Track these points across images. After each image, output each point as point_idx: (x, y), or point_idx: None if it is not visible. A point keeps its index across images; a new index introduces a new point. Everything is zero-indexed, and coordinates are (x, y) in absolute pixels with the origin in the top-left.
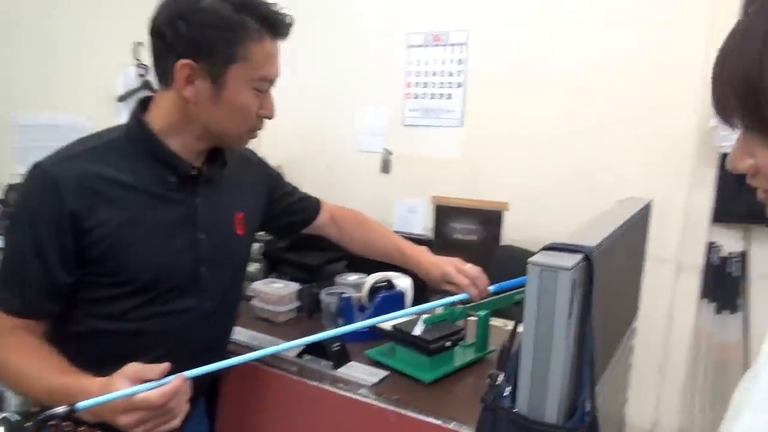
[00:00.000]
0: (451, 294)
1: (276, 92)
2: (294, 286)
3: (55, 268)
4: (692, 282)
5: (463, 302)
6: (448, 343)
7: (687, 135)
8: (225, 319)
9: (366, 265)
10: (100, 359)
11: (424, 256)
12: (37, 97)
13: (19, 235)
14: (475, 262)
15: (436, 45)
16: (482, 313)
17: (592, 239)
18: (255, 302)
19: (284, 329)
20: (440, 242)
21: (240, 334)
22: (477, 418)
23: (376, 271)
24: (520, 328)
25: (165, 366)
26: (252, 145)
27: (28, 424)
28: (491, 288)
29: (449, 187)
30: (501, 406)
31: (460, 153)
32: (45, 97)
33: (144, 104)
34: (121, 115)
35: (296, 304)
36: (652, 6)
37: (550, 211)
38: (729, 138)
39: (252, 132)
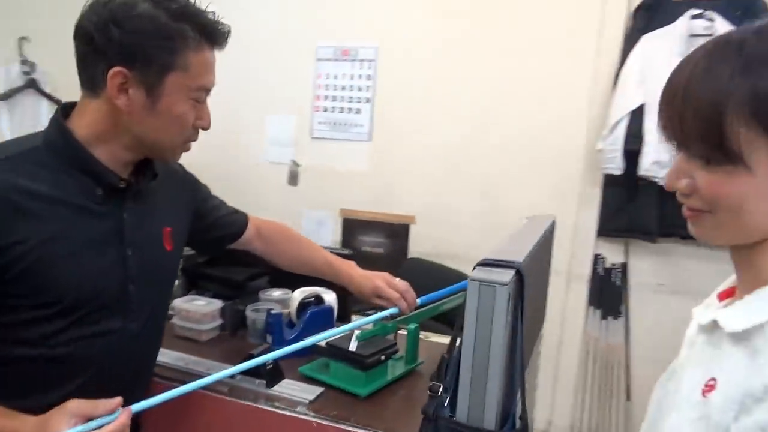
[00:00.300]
0: (380, 308)
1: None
2: (217, 303)
3: None
4: (581, 291)
5: (393, 316)
6: (382, 357)
7: (576, 157)
8: (152, 341)
9: (289, 280)
10: (18, 390)
11: (354, 270)
12: None
13: None
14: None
15: (345, 60)
16: (412, 326)
17: (518, 255)
18: (176, 320)
19: (208, 348)
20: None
21: (163, 355)
22: (415, 429)
23: (300, 286)
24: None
25: (117, 401)
26: None
27: None
28: (418, 301)
29: (357, 200)
30: (442, 416)
31: (368, 167)
32: None
33: (65, 111)
34: (2, 116)
35: (219, 321)
36: (546, 39)
37: (454, 225)
38: (613, 161)
39: (186, 143)
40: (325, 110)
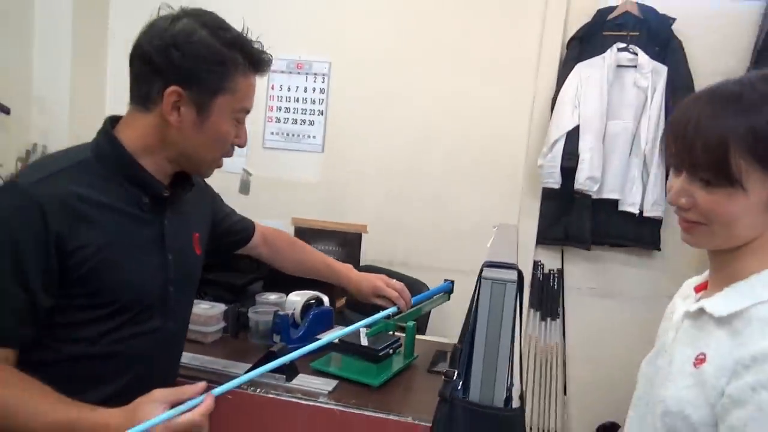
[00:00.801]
0: (379, 306)
1: (125, 102)
2: (221, 307)
3: (37, 292)
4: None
5: (391, 315)
6: (391, 351)
7: (518, 171)
8: (182, 339)
9: (281, 284)
10: (75, 386)
11: (353, 272)
12: None
13: None
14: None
15: (299, 73)
16: (410, 324)
17: (511, 258)
18: None
19: (213, 349)
20: None
21: None
22: (421, 411)
23: (291, 290)
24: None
25: (202, 385)
26: None
27: None
28: (412, 300)
29: (310, 209)
30: (457, 398)
31: (320, 177)
32: None
33: (112, 123)
34: None
35: (223, 324)
36: (490, 62)
37: (405, 234)
38: (551, 176)
39: (220, 160)
40: (278, 121)
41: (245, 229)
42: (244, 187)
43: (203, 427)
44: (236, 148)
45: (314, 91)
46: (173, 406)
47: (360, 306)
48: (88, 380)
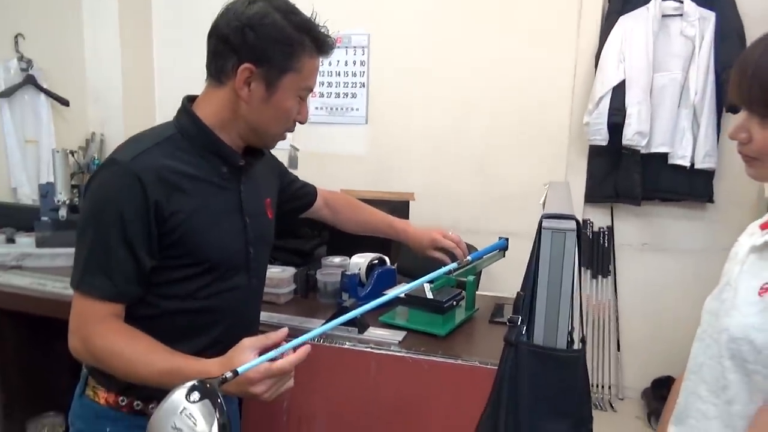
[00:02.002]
0: (436, 260)
1: (173, 85)
2: (291, 270)
3: (140, 254)
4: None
5: (452, 271)
6: (454, 303)
7: (563, 130)
8: (261, 295)
9: (345, 247)
10: (170, 338)
11: (411, 227)
12: None
13: (106, 226)
14: (385, 250)
15: (339, 47)
16: (470, 278)
17: (567, 210)
18: None
19: (287, 308)
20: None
21: None
22: (490, 356)
23: (354, 253)
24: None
25: (284, 331)
26: None
27: (212, 387)
28: (469, 257)
29: (357, 180)
30: (522, 341)
31: (366, 148)
32: None
33: (190, 101)
34: (3, 113)
35: (293, 286)
36: (531, 23)
37: (452, 200)
38: (598, 133)
39: (284, 134)
40: (321, 95)
41: (308, 193)
42: (293, 163)
43: (290, 375)
44: (297, 124)
45: (354, 63)
46: (262, 352)
47: (412, 271)
48: (185, 332)
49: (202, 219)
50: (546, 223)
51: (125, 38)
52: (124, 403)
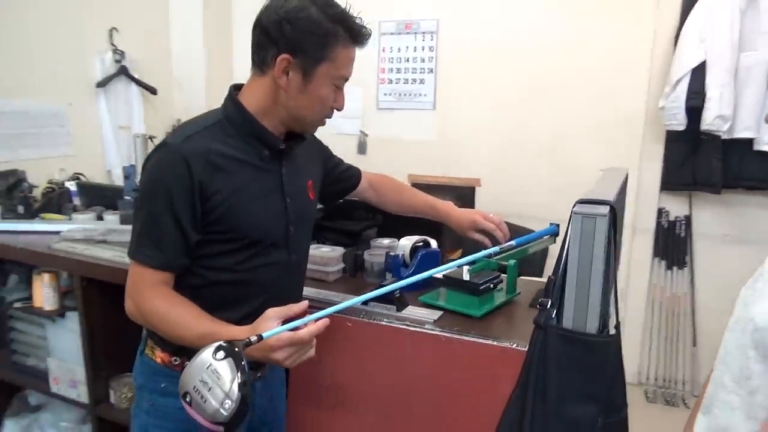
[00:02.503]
0: (477, 242)
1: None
2: (340, 250)
3: (187, 229)
4: (645, 244)
5: (494, 254)
6: (491, 285)
7: (638, 115)
8: (303, 270)
9: (394, 229)
10: (212, 307)
11: (452, 208)
12: (15, 85)
13: (157, 203)
14: (452, 234)
15: (408, 33)
16: (511, 262)
17: (609, 195)
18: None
19: (335, 286)
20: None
21: (305, 291)
22: (520, 338)
23: (402, 235)
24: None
25: (304, 304)
26: None
27: (237, 348)
28: (514, 242)
29: (425, 166)
30: (551, 325)
31: (433, 134)
32: (23, 84)
33: (236, 89)
34: (100, 101)
35: (342, 265)
36: (609, 1)
37: (520, 186)
38: (675, 117)
39: (323, 120)
40: (390, 82)
41: (353, 176)
42: (362, 148)
43: (311, 345)
44: (336, 112)
45: (423, 49)
46: (285, 322)
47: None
48: (228, 302)
49: (242, 198)
50: (578, 208)
51: (208, 32)
52: (176, 363)
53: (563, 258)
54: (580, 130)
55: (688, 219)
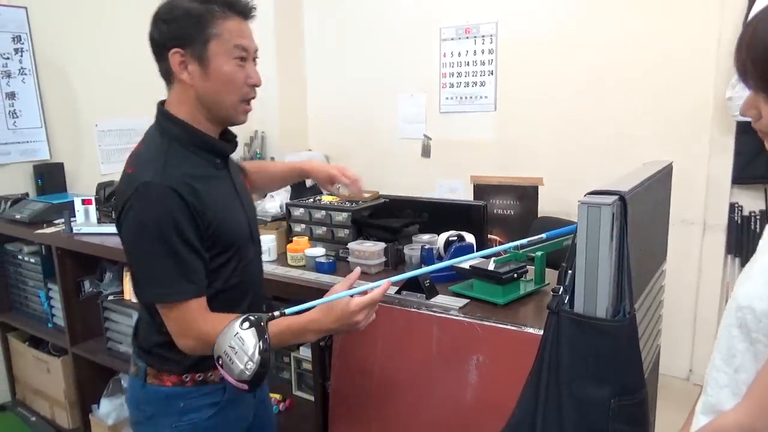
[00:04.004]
0: (335, 194)
1: (321, 87)
2: (381, 245)
3: (201, 252)
4: (718, 240)
5: (521, 246)
6: (515, 275)
7: (705, 106)
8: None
9: (434, 226)
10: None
11: (312, 164)
12: (113, 105)
13: (168, 239)
14: (515, 235)
15: (467, 37)
16: (539, 253)
17: (624, 186)
18: (350, 259)
19: (377, 278)
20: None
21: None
22: (542, 323)
23: (444, 231)
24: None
25: (357, 271)
26: (301, 134)
27: (260, 320)
28: (544, 236)
29: (486, 166)
30: (563, 310)
31: (494, 135)
32: (121, 105)
33: (163, 107)
34: None
35: (383, 259)
36: None
37: (583, 183)
38: None
39: (245, 102)
40: (451, 86)
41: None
42: (426, 151)
43: (375, 308)
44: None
45: (483, 52)
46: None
47: None
48: (229, 306)
49: (220, 210)
50: (584, 198)
51: (281, 51)
52: (188, 380)
53: (572, 246)
54: (645, 125)
55: (764, 214)
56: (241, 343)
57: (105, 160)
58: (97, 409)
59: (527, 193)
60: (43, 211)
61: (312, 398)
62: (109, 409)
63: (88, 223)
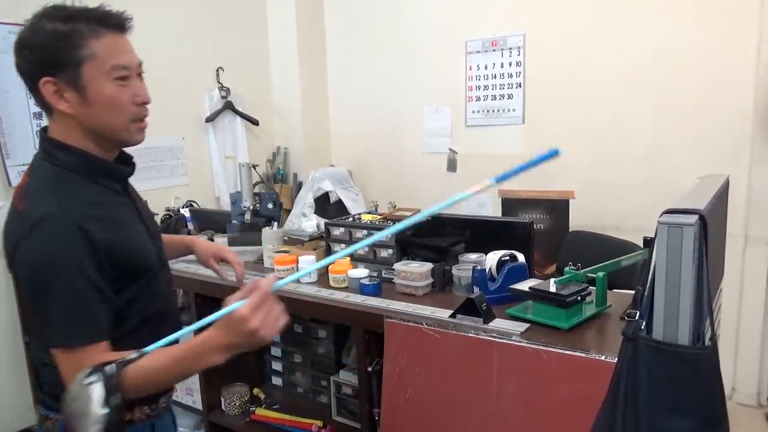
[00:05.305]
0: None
1: (344, 102)
2: (428, 265)
3: (105, 290)
4: (760, 254)
5: (578, 266)
6: (579, 298)
7: (745, 115)
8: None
9: (481, 245)
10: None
11: (198, 241)
12: None
13: (70, 278)
14: (546, 249)
15: (494, 50)
16: (600, 274)
17: (699, 204)
18: (396, 280)
19: (424, 300)
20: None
21: (393, 304)
22: (609, 351)
23: (492, 250)
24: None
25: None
26: (324, 149)
27: (113, 373)
28: (494, 179)
29: (514, 180)
30: (640, 336)
31: (523, 148)
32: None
33: (47, 134)
34: (209, 134)
35: (431, 280)
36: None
37: (616, 197)
38: None
39: (137, 122)
40: (478, 99)
41: None
42: (452, 165)
43: (278, 308)
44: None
45: (510, 65)
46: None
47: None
48: (151, 337)
49: (123, 236)
50: (664, 218)
51: (304, 67)
52: (148, 411)
53: (651, 269)
54: (680, 137)
55: None
56: (85, 400)
57: (131, 178)
58: None
59: (558, 207)
60: None
61: (355, 425)
62: None
63: None
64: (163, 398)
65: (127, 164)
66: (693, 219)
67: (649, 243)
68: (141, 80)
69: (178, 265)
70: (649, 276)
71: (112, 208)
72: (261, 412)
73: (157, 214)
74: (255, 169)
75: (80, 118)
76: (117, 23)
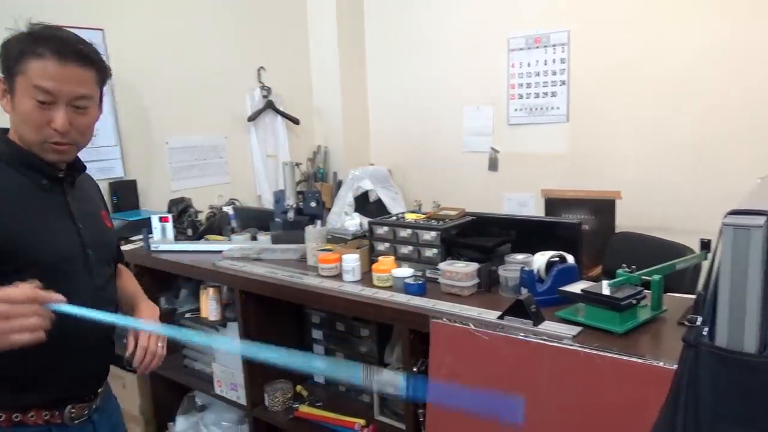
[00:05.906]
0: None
1: (383, 101)
2: (474, 265)
3: None
4: None
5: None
6: (634, 301)
7: None
8: (113, 298)
9: (528, 245)
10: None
11: (142, 313)
12: (183, 122)
13: None
14: (590, 250)
15: (537, 47)
16: (656, 277)
17: (766, 205)
18: (441, 280)
19: (470, 301)
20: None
21: (440, 305)
22: (671, 356)
23: (538, 251)
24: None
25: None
26: (363, 148)
27: None
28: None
29: (558, 180)
30: (702, 342)
31: (567, 147)
32: (190, 123)
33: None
34: (251, 133)
35: (477, 280)
36: None
37: (665, 197)
38: None
39: (53, 145)
40: (521, 97)
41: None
42: (493, 164)
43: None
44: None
45: (554, 62)
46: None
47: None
48: (47, 346)
49: (27, 227)
50: (729, 219)
51: (344, 67)
52: (1, 419)
53: (714, 273)
54: (731, 135)
55: None
56: None
57: (175, 176)
58: (173, 425)
59: (603, 207)
60: (121, 228)
61: (398, 425)
62: (185, 426)
63: (165, 241)
64: (73, 408)
65: (73, 167)
66: (761, 220)
67: (706, 245)
68: (74, 111)
69: (223, 263)
70: (712, 279)
71: (26, 199)
72: (304, 409)
73: (201, 212)
74: (298, 167)
75: (12, 119)
76: (62, 52)
